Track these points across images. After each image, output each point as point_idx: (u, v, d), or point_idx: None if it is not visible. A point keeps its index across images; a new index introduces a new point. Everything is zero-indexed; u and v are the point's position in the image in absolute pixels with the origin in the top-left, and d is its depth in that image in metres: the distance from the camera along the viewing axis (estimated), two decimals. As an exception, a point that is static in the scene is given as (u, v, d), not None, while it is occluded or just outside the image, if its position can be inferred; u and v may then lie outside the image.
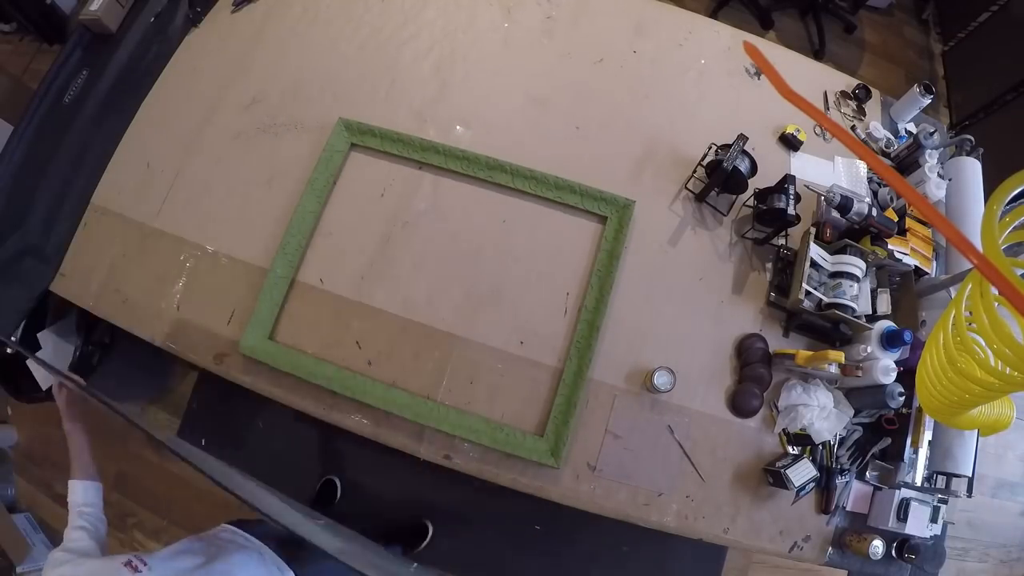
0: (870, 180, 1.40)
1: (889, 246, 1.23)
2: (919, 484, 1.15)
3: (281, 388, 1.20)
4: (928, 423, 1.17)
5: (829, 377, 1.17)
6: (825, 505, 1.17)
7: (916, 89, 1.43)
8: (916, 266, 1.26)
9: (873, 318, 1.19)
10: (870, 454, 1.19)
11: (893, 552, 1.15)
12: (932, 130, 1.36)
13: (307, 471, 1.96)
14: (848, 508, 1.19)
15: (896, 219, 1.27)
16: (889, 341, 1.12)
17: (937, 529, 1.16)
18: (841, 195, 1.21)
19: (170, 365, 2.01)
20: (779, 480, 1.12)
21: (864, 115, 1.50)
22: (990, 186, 1.30)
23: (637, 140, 1.40)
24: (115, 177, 1.37)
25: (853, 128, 1.48)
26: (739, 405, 1.19)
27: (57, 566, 0.79)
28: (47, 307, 1.66)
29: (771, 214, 1.23)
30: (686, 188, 1.35)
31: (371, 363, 1.21)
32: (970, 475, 1.12)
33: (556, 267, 1.27)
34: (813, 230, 1.22)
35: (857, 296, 1.17)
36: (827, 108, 1.49)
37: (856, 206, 1.21)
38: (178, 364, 1.99)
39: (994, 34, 2.48)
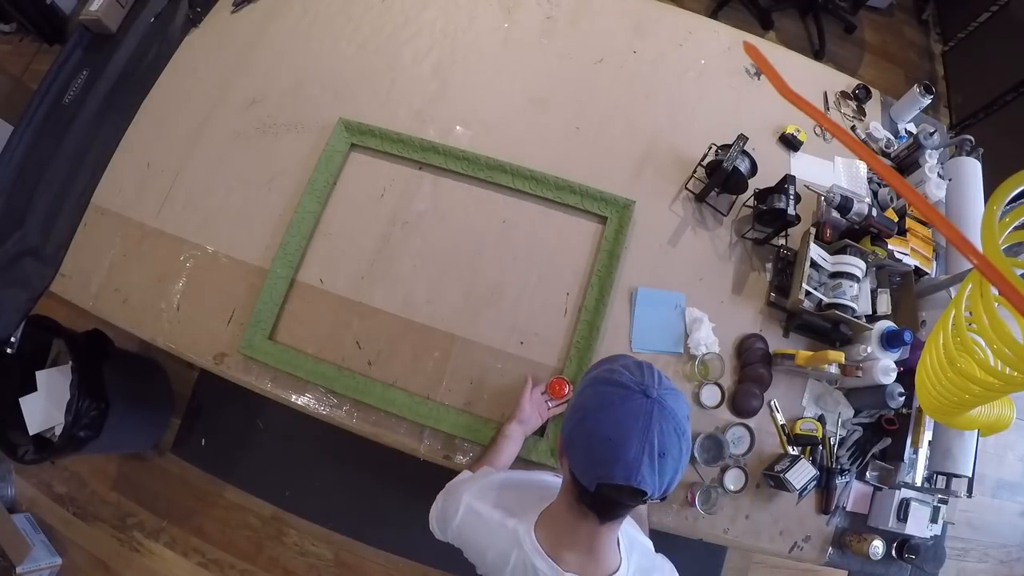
0: (870, 180, 1.40)
1: (889, 246, 1.23)
2: (919, 484, 1.15)
3: (281, 388, 1.20)
4: (928, 423, 1.17)
5: (829, 377, 1.17)
6: (825, 505, 1.17)
7: (916, 89, 1.43)
8: (916, 266, 1.26)
9: (873, 318, 1.19)
10: (870, 454, 1.19)
11: (893, 552, 1.15)
12: (932, 130, 1.36)
13: (308, 471, 1.97)
14: (848, 508, 1.19)
15: (896, 219, 1.27)
16: (889, 341, 1.12)
17: (937, 529, 1.16)
18: (841, 195, 1.21)
19: (165, 415, 1.98)
20: (780, 484, 1.12)
21: (864, 115, 1.50)
22: (990, 186, 1.30)
23: (637, 140, 1.40)
24: (115, 177, 1.37)
25: (853, 128, 1.48)
26: (739, 405, 1.19)
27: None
28: (49, 348, 1.67)
29: (771, 214, 1.23)
30: (686, 188, 1.35)
31: (371, 363, 1.21)
32: (970, 475, 1.12)
33: (556, 267, 1.27)
34: (813, 230, 1.22)
35: (857, 296, 1.17)
36: (827, 108, 1.49)
37: (856, 206, 1.21)
38: (178, 366, 1.99)
39: (994, 34, 2.48)
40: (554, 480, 0.91)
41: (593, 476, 0.63)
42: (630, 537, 0.80)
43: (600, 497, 0.64)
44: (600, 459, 0.62)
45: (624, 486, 0.61)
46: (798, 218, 1.22)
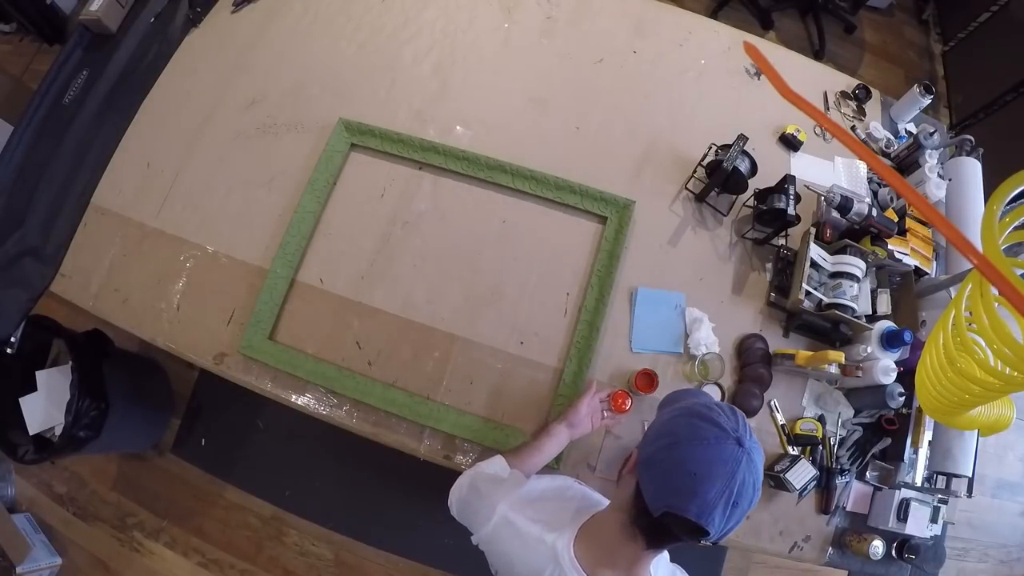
0: (870, 180, 1.40)
1: (889, 246, 1.23)
2: (919, 484, 1.15)
3: (281, 388, 1.20)
4: (928, 423, 1.17)
5: (829, 377, 1.17)
6: (825, 505, 1.17)
7: (916, 89, 1.43)
8: (916, 266, 1.26)
9: (873, 318, 1.19)
10: (870, 454, 1.19)
11: (893, 552, 1.16)
12: (932, 130, 1.36)
13: (308, 471, 1.97)
14: (848, 508, 1.19)
15: (896, 219, 1.27)
16: (889, 341, 1.12)
17: (937, 529, 1.16)
18: (841, 195, 1.21)
19: (165, 415, 1.98)
20: (780, 484, 1.12)
21: (864, 115, 1.50)
22: (990, 186, 1.30)
23: (637, 140, 1.40)
24: (115, 177, 1.37)
25: (853, 128, 1.48)
26: (739, 405, 1.18)
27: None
28: (49, 348, 1.67)
29: (771, 214, 1.23)
30: (686, 188, 1.35)
31: (371, 363, 1.21)
32: (970, 475, 1.12)
33: (556, 267, 1.27)
34: (813, 230, 1.22)
35: (857, 296, 1.17)
36: (827, 108, 1.49)
37: (856, 206, 1.21)
38: (178, 366, 1.99)
39: (994, 34, 2.48)
40: (583, 489, 0.90)
41: (664, 503, 0.63)
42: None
43: (660, 524, 0.64)
44: (677, 489, 0.63)
45: (690, 521, 0.61)
46: (798, 218, 1.22)
